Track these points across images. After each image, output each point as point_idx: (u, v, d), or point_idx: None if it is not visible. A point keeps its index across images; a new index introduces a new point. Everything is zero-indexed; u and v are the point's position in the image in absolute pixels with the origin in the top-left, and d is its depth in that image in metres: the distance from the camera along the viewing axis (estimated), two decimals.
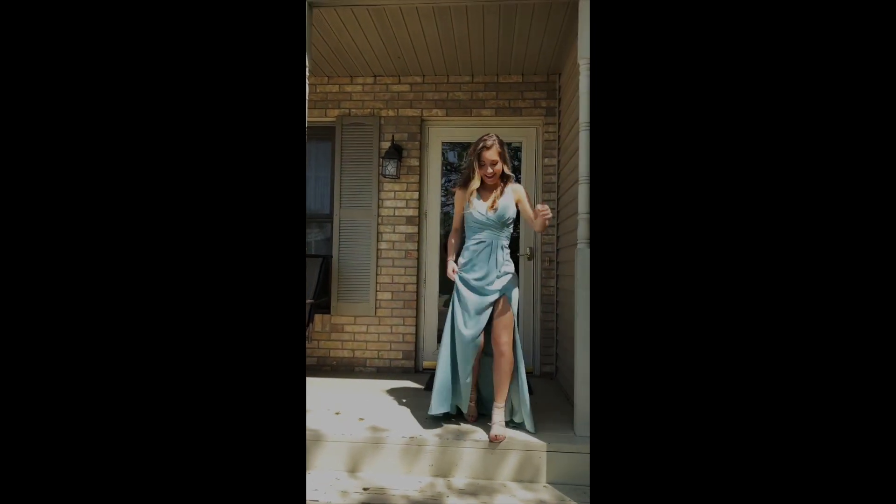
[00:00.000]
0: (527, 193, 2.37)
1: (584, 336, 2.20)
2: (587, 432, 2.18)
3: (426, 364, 3.66)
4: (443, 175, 3.78)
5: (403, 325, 3.63)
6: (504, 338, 2.23)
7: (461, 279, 2.29)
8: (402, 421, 2.37)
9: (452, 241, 2.43)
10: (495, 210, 2.25)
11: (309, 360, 3.63)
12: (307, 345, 3.57)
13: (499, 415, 2.22)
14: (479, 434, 2.19)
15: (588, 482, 2.06)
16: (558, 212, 3.46)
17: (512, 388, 2.28)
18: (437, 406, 2.26)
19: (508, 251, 2.32)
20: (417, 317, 3.66)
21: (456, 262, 2.36)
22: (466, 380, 2.26)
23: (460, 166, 4.39)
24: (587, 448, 2.11)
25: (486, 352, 2.35)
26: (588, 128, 2.25)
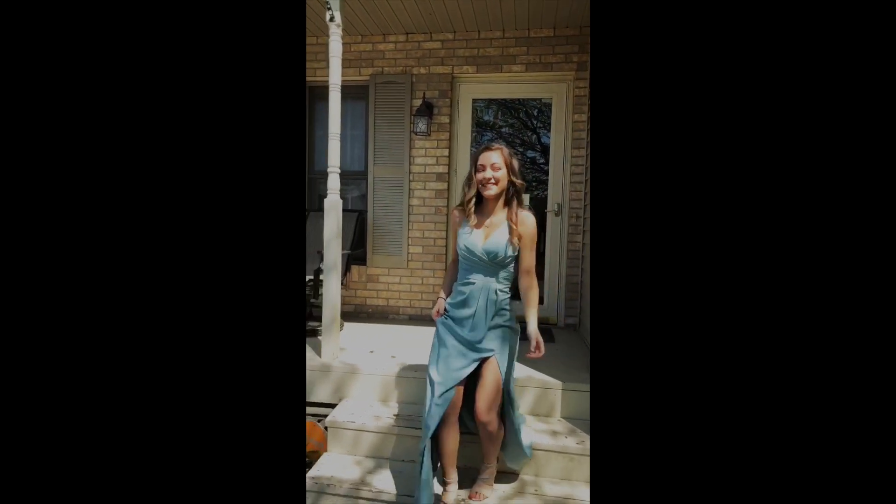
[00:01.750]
0: (535, 230, 1.76)
1: None
2: None
3: None
4: (472, 132, 3.84)
5: (433, 276, 3.83)
6: (486, 413, 1.72)
7: (443, 323, 1.80)
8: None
9: (451, 271, 1.90)
10: (485, 246, 1.71)
11: (346, 308, 3.90)
12: (344, 293, 3.83)
13: (485, 483, 1.85)
14: None
15: None
16: (587, 168, 3.49)
17: (507, 453, 1.92)
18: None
19: (507, 296, 1.78)
20: (446, 269, 3.83)
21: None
22: (424, 459, 1.69)
23: (493, 125, 4.24)
24: None
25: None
26: None
